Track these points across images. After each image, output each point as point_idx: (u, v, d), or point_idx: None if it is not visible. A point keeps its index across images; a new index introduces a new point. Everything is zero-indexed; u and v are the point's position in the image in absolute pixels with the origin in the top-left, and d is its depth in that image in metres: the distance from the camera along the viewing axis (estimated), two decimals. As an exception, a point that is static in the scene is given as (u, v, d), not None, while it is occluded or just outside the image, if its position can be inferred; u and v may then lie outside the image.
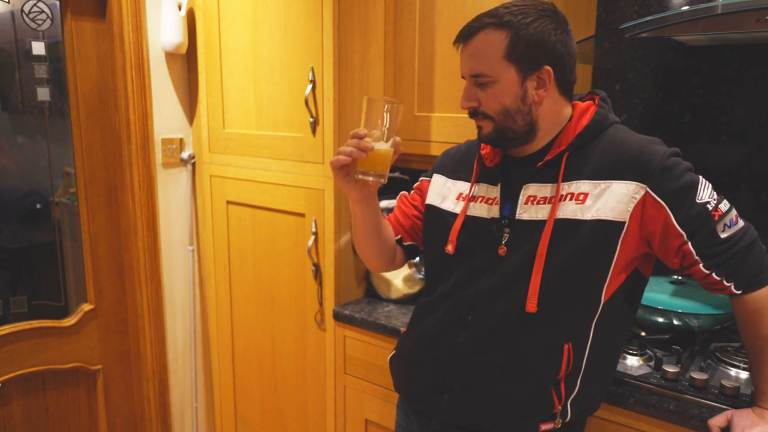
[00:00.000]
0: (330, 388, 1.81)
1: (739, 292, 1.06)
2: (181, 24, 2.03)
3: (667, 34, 1.31)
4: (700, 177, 1.05)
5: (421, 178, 1.34)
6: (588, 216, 1.04)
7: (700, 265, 1.05)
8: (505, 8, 1.04)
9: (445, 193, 1.23)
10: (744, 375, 1.30)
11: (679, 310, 1.40)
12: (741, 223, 1.06)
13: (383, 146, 1.11)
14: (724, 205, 1.04)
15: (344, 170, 1.13)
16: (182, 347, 2.32)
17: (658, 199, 1.02)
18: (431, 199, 1.26)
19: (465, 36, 1.07)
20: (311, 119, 1.70)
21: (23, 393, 1.99)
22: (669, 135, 1.64)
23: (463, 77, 1.11)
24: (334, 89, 1.64)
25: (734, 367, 1.32)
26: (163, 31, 2.03)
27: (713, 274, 1.05)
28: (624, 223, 1.03)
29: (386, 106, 1.11)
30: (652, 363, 1.31)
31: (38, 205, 1.99)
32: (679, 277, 1.59)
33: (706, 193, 1.04)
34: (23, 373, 1.96)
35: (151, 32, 2.03)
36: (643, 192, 1.02)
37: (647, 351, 1.36)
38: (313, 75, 1.68)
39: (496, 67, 1.04)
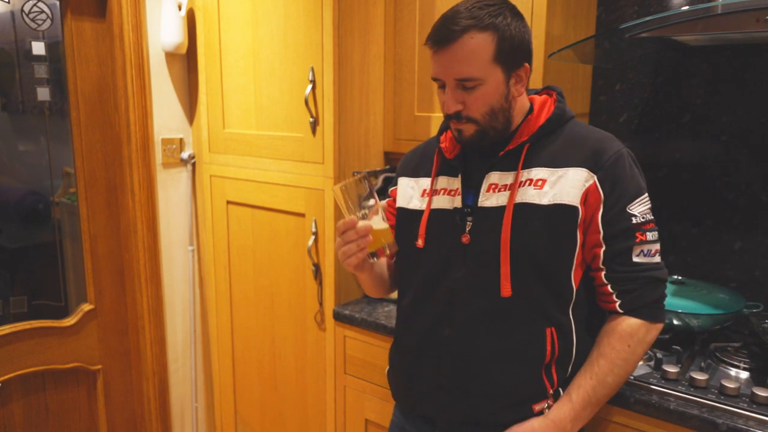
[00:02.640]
0: (330, 388, 1.81)
1: (621, 311, 1.09)
2: (181, 24, 2.03)
3: (667, 34, 1.31)
4: (645, 193, 1.08)
5: (389, 191, 1.35)
6: (545, 201, 1.07)
7: (602, 273, 1.09)
8: (479, 9, 1.03)
9: (410, 193, 1.25)
10: (744, 375, 1.30)
11: (679, 310, 1.40)
12: (658, 259, 1.09)
13: (378, 221, 1.11)
14: (652, 235, 1.07)
15: (363, 264, 1.16)
16: (182, 347, 2.32)
17: (600, 190, 1.06)
18: (400, 202, 1.27)
19: (446, 39, 1.04)
20: (311, 119, 1.70)
21: (23, 393, 1.99)
22: (669, 135, 1.64)
23: (435, 79, 1.09)
24: (334, 89, 1.64)
25: (734, 367, 1.32)
26: (163, 31, 2.03)
27: (608, 286, 1.09)
28: (578, 208, 1.06)
29: (343, 187, 1.10)
30: (652, 363, 1.31)
31: (38, 205, 1.99)
32: (679, 277, 1.59)
33: (639, 207, 1.07)
34: (23, 373, 1.96)
35: (151, 32, 2.03)
36: (592, 180, 1.06)
37: (647, 351, 1.35)
38: (313, 75, 1.68)
39: (485, 69, 1.04)
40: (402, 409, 1.29)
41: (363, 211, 1.10)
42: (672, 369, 1.24)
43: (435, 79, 1.10)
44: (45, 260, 2.02)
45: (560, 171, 1.07)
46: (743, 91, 1.52)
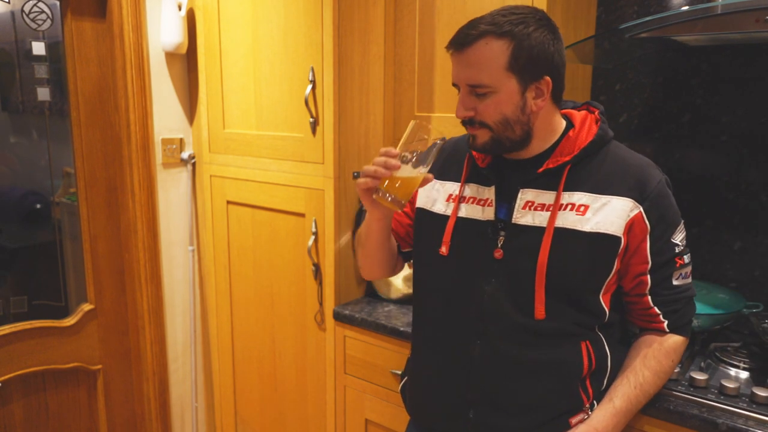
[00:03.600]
0: (330, 388, 1.81)
1: (668, 330, 1.13)
2: (181, 24, 2.03)
3: (666, 34, 1.31)
4: (682, 220, 1.11)
5: None
6: (587, 228, 1.05)
7: (648, 298, 1.12)
8: (502, 16, 1.01)
9: (434, 195, 1.22)
10: (744, 375, 1.30)
11: (679, 310, 1.40)
12: (690, 279, 1.14)
13: (411, 171, 1.07)
14: (687, 258, 1.12)
15: (371, 191, 1.10)
16: (182, 347, 2.32)
17: (646, 221, 1.06)
18: (421, 202, 1.24)
19: (461, 43, 1.03)
20: (311, 119, 1.71)
21: (23, 393, 1.99)
22: (669, 135, 1.64)
23: (454, 84, 1.08)
24: (334, 89, 1.65)
25: (734, 367, 1.32)
26: (163, 31, 2.03)
27: (656, 308, 1.12)
28: (620, 238, 1.06)
29: (428, 133, 1.07)
30: (652, 363, 1.31)
31: (38, 205, 1.99)
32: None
33: (680, 236, 1.11)
34: (23, 373, 1.96)
35: (151, 32, 2.03)
36: (637, 211, 1.06)
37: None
38: (313, 75, 1.68)
39: (497, 77, 1.02)
40: (419, 425, 1.27)
41: (406, 155, 1.06)
42: (672, 369, 1.24)
43: (453, 84, 1.09)
44: (45, 260, 2.02)
45: (604, 198, 1.06)
46: (743, 91, 1.52)
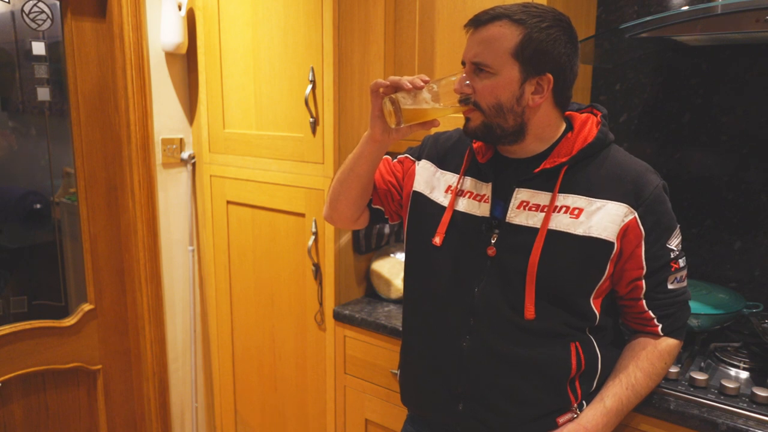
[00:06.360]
0: (330, 388, 1.81)
1: (662, 334, 1.13)
2: (181, 24, 2.03)
3: (667, 34, 1.31)
4: (678, 225, 1.11)
5: (406, 155, 1.31)
6: (580, 231, 1.05)
7: (643, 302, 1.12)
8: (523, 7, 1.04)
9: (434, 183, 1.22)
10: (744, 375, 1.30)
11: (679, 310, 1.40)
12: (685, 282, 1.14)
13: (428, 103, 1.08)
14: (683, 262, 1.12)
15: (385, 95, 1.09)
16: (182, 347, 2.32)
17: (641, 227, 1.06)
18: (420, 186, 1.24)
19: (478, 22, 1.05)
20: (311, 119, 1.71)
21: (23, 393, 1.99)
22: (669, 135, 1.64)
23: (463, 63, 1.09)
24: (334, 89, 1.65)
25: (734, 367, 1.32)
26: (163, 31, 2.03)
27: (650, 312, 1.12)
28: (613, 243, 1.05)
29: (460, 78, 1.08)
30: (652, 363, 1.31)
31: (38, 205, 1.99)
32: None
33: (675, 241, 1.10)
34: (23, 373, 1.96)
35: (151, 32, 2.04)
36: (632, 216, 1.05)
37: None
38: (313, 75, 1.68)
39: (501, 60, 1.03)
40: (413, 416, 1.28)
41: (434, 86, 1.07)
42: (672, 369, 1.24)
43: (462, 63, 1.09)
44: (45, 260, 2.02)
45: (598, 202, 1.05)
46: (743, 91, 1.52)
